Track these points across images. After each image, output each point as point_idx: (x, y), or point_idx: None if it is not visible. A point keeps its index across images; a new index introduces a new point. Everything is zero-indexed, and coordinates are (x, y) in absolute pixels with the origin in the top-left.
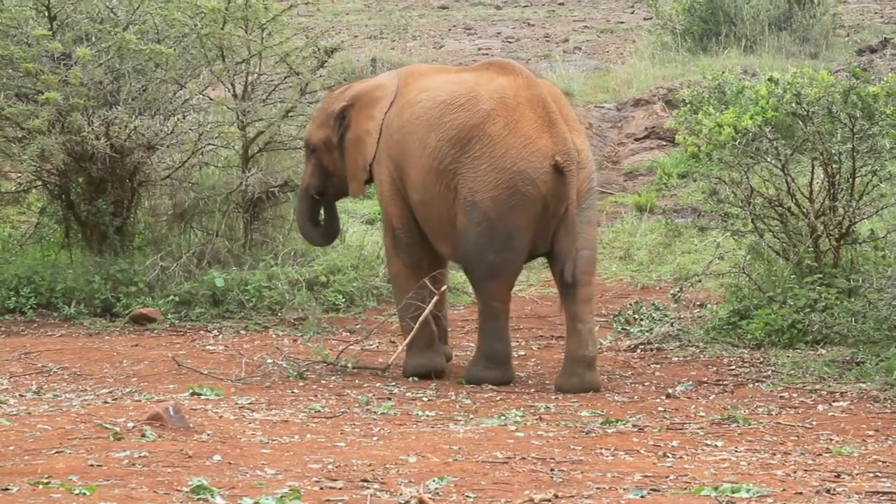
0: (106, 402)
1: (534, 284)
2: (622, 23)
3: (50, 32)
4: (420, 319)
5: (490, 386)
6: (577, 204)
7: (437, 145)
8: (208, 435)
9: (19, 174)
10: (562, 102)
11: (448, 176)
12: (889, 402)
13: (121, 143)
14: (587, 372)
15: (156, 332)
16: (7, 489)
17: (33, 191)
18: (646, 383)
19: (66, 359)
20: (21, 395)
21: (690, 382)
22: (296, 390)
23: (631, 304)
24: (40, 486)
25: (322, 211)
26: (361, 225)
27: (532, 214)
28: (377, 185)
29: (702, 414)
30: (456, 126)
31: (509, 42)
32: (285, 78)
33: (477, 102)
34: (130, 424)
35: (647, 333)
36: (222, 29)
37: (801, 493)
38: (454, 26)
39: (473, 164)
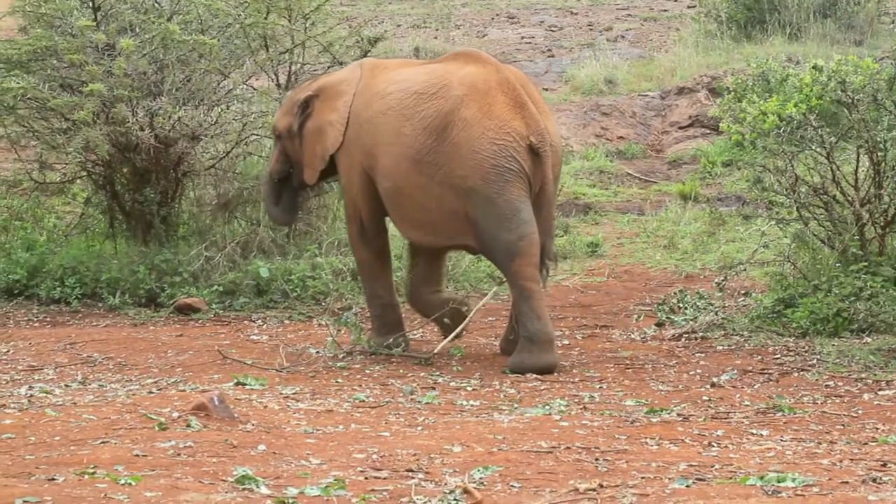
0: (151, 392)
1: (577, 273)
2: (666, 11)
3: (94, 23)
4: (475, 309)
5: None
6: (550, 184)
7: (413, 134)
8: (253, 425)
9: (64, 165)
10: (529, 87)
11: (430, 168)
12: None
13: (165, 133)
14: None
15: (200, 321)
16: (53, 479)
17: (78, 181)
18: (690, 372)
19: (111, 349)
20: (66, 386)
21: (735, 371)
22: (340, 380)
23: (675, 293)
24: (86, 476)
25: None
26: None
27: (525, 188)
28: (343, 175)
29: (747, 403)
30: (431, 114)
31: (552, 31)
32: (329, 67)
33: (449, 90)
34: (175, 414)
35: (691, 322)
36: (265, 19)
37: (847, 483)
38: (497, 15)
39: (454, 151)
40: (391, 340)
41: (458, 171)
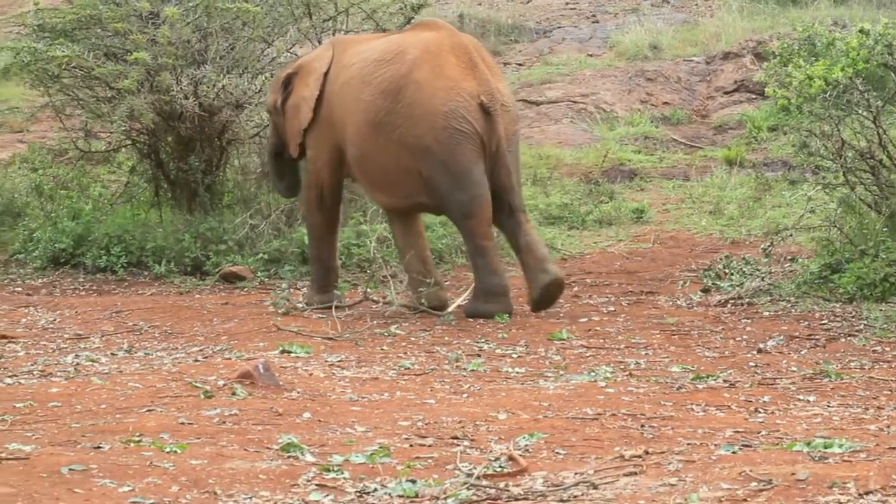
0: (196, 361)
1: (623, 240)
2: None
3: None
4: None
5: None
6: (506, 142)
7: (371, 99)
8: (298, 393)
9: (109, 134)
10: (482, 52)
11: (387, 129)
12: None
13: (209, 101)
14: (549, 265)
15: (245, 289)
16: (99, 447)
17: (123, 150)
18: (737, 338)
19: (157, 317)
20: (112, 354)
21: (782, 337)
22: (385, 347)
23: (721, 259)
24: (132, 444)
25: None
26: None
27: (476, 149)
28: (310, 148)
29: (793, 369)
30: (386, 79)
31: None
32: None
33: (403, 55)
34: (221, 382)
35: (737, 288)
36: None
37: (894, 448)
38: None
39: (408, 112)
40: (326, 297)
41: (413, 130)
